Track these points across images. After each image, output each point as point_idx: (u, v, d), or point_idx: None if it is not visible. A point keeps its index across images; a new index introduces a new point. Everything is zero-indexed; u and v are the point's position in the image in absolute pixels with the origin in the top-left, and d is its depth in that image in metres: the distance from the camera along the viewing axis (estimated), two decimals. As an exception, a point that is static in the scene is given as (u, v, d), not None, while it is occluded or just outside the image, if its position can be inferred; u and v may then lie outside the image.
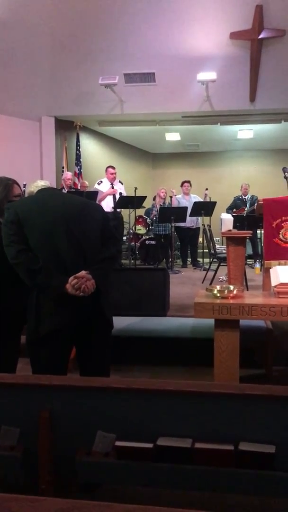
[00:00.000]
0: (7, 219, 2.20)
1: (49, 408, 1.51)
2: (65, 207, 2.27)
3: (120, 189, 7.74)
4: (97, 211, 2.44)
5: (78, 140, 9.69)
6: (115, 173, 7.77)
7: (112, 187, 7.62)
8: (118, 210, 7.59)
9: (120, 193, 7.61)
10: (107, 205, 7.37)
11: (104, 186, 7.63)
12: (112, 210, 7.35)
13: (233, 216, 7.68)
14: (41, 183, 2.45)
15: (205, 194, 8.76)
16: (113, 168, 7.86)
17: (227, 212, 8.81)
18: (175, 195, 8.49)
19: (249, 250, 8.61)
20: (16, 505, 0.84)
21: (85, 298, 2.14)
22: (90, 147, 10.49)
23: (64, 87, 8.63)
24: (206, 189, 8.84)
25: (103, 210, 2.60)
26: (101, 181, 7.78)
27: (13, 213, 2.20)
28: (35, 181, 2.48)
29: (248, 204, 8.84)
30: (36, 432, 1.52)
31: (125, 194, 7.65)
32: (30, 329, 2.22)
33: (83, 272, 2.15)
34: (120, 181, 7.88)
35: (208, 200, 8.57)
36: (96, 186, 7.73)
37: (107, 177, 7.79)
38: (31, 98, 8.61)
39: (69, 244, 2.18)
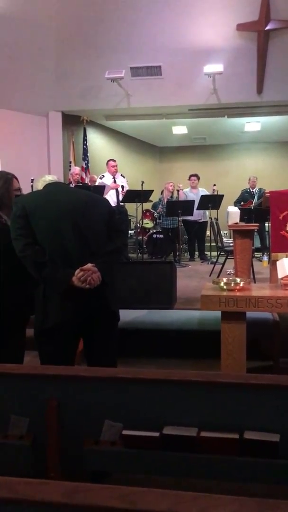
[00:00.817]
0: (15, 213, 2.25)
1: (57, 397, 1.54)
2: (72, 202, 2.29)
3: (122, 182, 7.72)
4: (103, 205, 2.46)
5: (85, 135, 9.70)
6: (116, 166, 7.77)
7: (115, 181, 7.62)
8: (122, 204, 7.59)
9: (123, 187, 7.60)
10: (111, 199, 7.37)
11: (106, 180, 7.64)
12: (116, 204, 7.35)
13: (240, 209, 7.68)
14: (48, 178, 2.48)
15: (213, 189, 8.74)
16: (114, 161, 7.87)
17: (235, 205, 8.79)
18: (182, 189, 8.49)
19: (257, 243, 8.60)
20: (23, 488, 0.86)
21: (91, 291, 2.17)
22: (97, 141, 10.49)
23: (71, 82, 8.64)
24: (214, 184, 8.82)
25: (109, 204, 2.62)
26: (103, 175, 7.80)
27: (21, 207, 2.24)
28: (43, 176, 2.52)
29: (256, 197, 8.81)
30: (45, 421, 1.55)
31: (127, 187, 7.64)
32: (37, 322, 2.26)
33: (89, 265, 2.18)
34: (121, 175, 7.88)
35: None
36: (99, 180, 7.75)
37: (108, 170, 7.80)
38: (37, 93, 8.63)
39: (75, 238, 2.22)
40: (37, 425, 1.57)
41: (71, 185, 7.36)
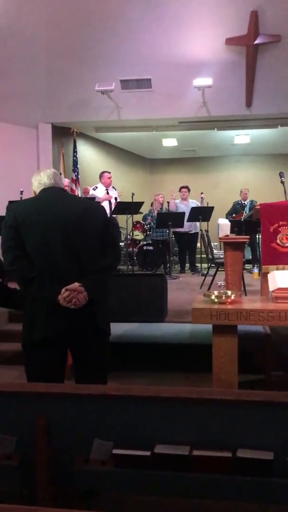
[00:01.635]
0: (6, 223, 2.21)
1: (45, 416, 1.50)
2: (65, 214, 2.22)
3: (114, 194, 7.73)
4: (99, 216, 2.36)
5: (75, 147, 9.71)
6: (111, 178, 7.77)
7: (107, 193, 7.61)
8: (114, 216, 7.57)
9: (116, 198, 7.61)
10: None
11: (99, 192, 7.62)
12: (109, 216, 7.33)
13: (231, 221, 7.71)
14: (45, 180, 2.37)
15: (201, 198, 8.75)
16: (109, 172, 7.86)
17: (227, 217, 8.82)
18: (174, 199, 8.49)
19: (248, 255, 8.62)
20: (11, 516, 0.83)
21: (78, 309, 2.14)
22: (87, 153, 10.51)
23: (61, 94, 8.65)
24: (202, 193, 8.82)
25: (106, 214, 2.48)
26: (96, 187, 7.78)
27: (12, 217, 2.19)
28: (39, 174, 2.40)
29: (247, 209, 8.85)
30: (33, 440, 1.51)
31: (119, 200, 7.65)
32: (24, 334, 2.22)
33: (75, 284, 2.13)
34: (113, 187, 7.88)
35: (204, 204, 8.57)
36: (92, 192, 7.74)
37: (103, 182, 7.78)
38: (27, 105, 8.63)
39: (65, 254, 2.17)
40: (25, 444, 1.52)
41: None
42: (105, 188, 7.66)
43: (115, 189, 7.89)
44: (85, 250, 2.22)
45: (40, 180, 2.37)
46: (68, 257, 2.18)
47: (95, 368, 2.24)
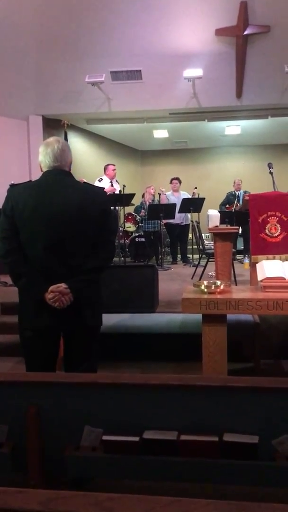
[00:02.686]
0: (4, 211, 2.20)
1: (36, 404, 1.53)
2: (63, 207, 2.15)
3: (118, 187, 7.81)
4: (98, 204, 2.24)
5: (66, 139, 9.64)
6: (115, 170, 7.91)
7: (112, 185, 7.67)
8: (112, 208, 7.61)
9: (120, 191, 7.66)
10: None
11: (104, 184, 7.68)
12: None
13: (223, 212, 7.74)
14: (49, 160, 2.24)
15: (194, 192, 8.78)
16: (114, 165, 7.98)
17: (221, 208, 8.88)
18: (164, 193, 8.52)
19: (240, 245, 8.68)
20: (3, 497, 0.86)
21: (66, 308, 2.16)
22: (78, 145, 10.47)
23: (51, 86, 8.61)
24: (195, 188, 8.85)
25: (105, 202, 2.36)
26: (101, 179, 7.83)
27: (9, 206, 2.18)
28: (47, 150, 2.25)
29: (240, 200, 8.89)
30: (25, 428, 1.54)
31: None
32: (18, 324, 2.27)
33: (61, 286, 2.13)
34: (116, 180, 7.93)
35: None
36: (97, 183, 7.76)
37: (108, 174, 7.87)
38: (18, 97, 8.58)
39: (56, 248, 2.15)
40: (16, 432, 1.55)
41: None
42: (110, 180, 7.71)
43: (118, 183, 7.94)
44: (78, 248, 2.18)
45: (44, 159, 2.26)
46: (59, 253, 2.16)
47: (84, 358, 2.27)
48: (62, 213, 2.15)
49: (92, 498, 0.82)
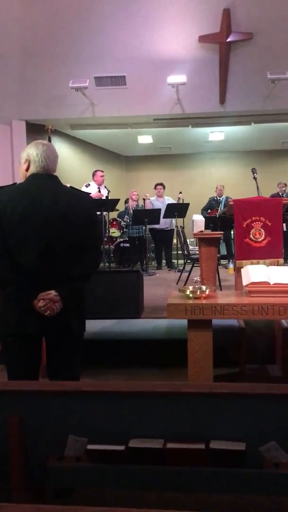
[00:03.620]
0: None
1: (19, 413, 1.49)
2: (50, 213, 2.11)
3: (105, 193, 7.77)
4: (85, 211, 2.22)
5: (50, 144, 9.63)
6: (103, 176, 7.89)
7: (99, 191, 7.65)
8: (98, 213, 7.58)
9: (106, 197, 7.62)
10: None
11: (91, 189, 7.64)
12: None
13: (206, 217, 7.77)
14: (36, 164, 2.21)
15: (179, 197, 8.81)
16: (102, 171, 7.95)
17: (202, 213, 8.91)
18: (149, 198, 8.53)
19: (223, 250, 8.71)
20: (-19, 513, 0.82)
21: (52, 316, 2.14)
22: (62, 150, 10.41)
23: (35, 91, 8.56)
24: (180, 192, 8.88)
25: (91, 209, 2.35)
26: (89, 184, 7.80)
27: None
28: (35, 152, 2.22)
29: (221, 205, 8.94)
30: (7, 439, 1.50)
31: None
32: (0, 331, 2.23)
33: (51, 294, 2.11)
34: (105, 186, 7.90)
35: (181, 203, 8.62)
36: (84, 188, 7.72)
37: (96, 180, 7.85)
38: (0, 102, 8.51)
39: (43, 254, 2.11)
40: (-2, 443, 1.51)
41: None
42: (97, 186, 7.69)
43: (107, 189, 7.92)
44: (66, 252, 2.15)
45: (35, 158, 2.22)
46: (48, 259, 2.12)
47: (68, 365, 2.23)
48: (50, 218, 2.12)
49: (75, 512, 0.79)
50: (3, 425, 1.48)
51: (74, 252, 2.17)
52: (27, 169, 2.25)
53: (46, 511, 0.80)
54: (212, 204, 9.16)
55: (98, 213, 7.69)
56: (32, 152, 2.24)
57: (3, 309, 2.20)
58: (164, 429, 1.48)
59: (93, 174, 7.97)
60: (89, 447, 1.50)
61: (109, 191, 7.53)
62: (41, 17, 8.05)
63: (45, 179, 2.21)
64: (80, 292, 2.26)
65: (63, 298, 2.13)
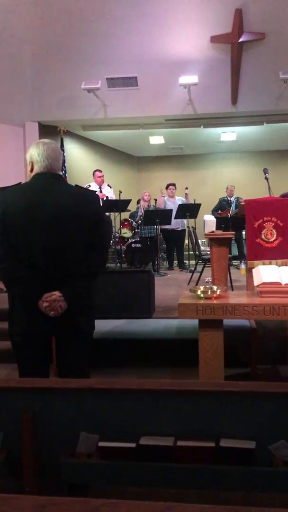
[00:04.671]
0: None
1: (32, 410, 1.52)
2: (53, 209, 2.11)
3: (108, 192, 7.81)
4: (91, 209, 2.22)
5: (62, 145, 9.69)
6: (102, 176, 7.85)
7: (101, 191, 7.67)
8: (106, 214, 7.61)
9: (107, 197, 7.65)
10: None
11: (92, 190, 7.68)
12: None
13: (218, 217, 7.76)
14: (39, 164, 2.21)
15: (185, 193, 8.76)
16: (100, 171, 7.95)
17: (213, 213, 8.89)
18: (163, 196, 8.53)
19: (235, 251, 8.69)
20: (-6, 504, 0.85)
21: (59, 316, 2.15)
22: (74, 151, 10.49)
23: (47, 92, 8.63)
24: (186, 188, 8.83)
25: (98, 208, 2.36)
26: (89, 185, 7.83)
27: (0, 211, 2.14)
28: (38, 151, 2.22)
29: (233, 206, 8.91)
30: (20, 435, 1.53)
31: (113, 198, 7.72)
32: (8, 329, 2.25)
33: (55, 295, 2.12)
34: (108, 185, 7.94)
35: (190, 200, 8.59)
36: None
37: (95, 180, 7.86)
38: (14, 104, 8.59)
39: (48, 253, 2.12)
40: (11, 439, 1.54)
41: None
42: (98, 187, 7.72)
43: (111, 187, 7.95)
44: (72, 251, 2.15)
45: (37, 157, 2.22)
46: (52, 258, 2.13)
47: (77, 364, 2.24)
48: (55, 217, 2.12)
49: (86, 504, 0.81)
50: (17, 421, 1.51)
51: (80, 251, 2.17)
52: (31, 170, 2.26)
53: (55, 503, 0.82)
54: (222, 205, 9.14)
55: (108, 213, 7.73)
56: (34, 152, 2.24)
57: (11, 309, 2.23)
58: (174, 427, 1.49)
59: (93, 175, 8.00)
60: (101, 444, 1.52)
61: (120, 192, 7.56)
62: (53, 19, 8.12)
63: (48, 178, 2.20)
64: (87, 290, 2.25)
65: (69, 297, 2.13)
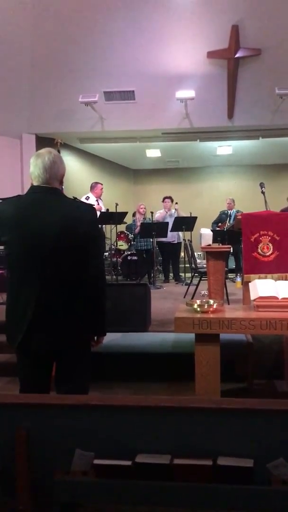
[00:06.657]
0: None
1: (26, 427, 1.49)
2: (46, 227, 2.06)
3: (102, 206, 7.83)
4: (84, 226, 2.13)
5: (59, 157, 9.73)
6: (103, 189, 7.89)
7: (98, 203, 7.69)
8: (100, 226, 7.61)
9: (108, 210, 7.68)
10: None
11: (90, 202, 7.68)
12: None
13: (215, 231, 7.78)
14: (39, 171, 2.16)
15: (176, 209, 8.72)
16: (102, 184, 7.99)
17: (213, 226, 8.92)
18: (178, 209, 8.56)
19: (232, 264, 8.70)
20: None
21: (61, 329, 2.13)
22: (71, 163, 10.51)
23: (45, 105, 8.68)
24: (176, 203, 8.82)
25: (93, 223, 2.26)
26: (88, 197, 7.84)
27: None
28: (37, 163, 2.18)
29: (231, 219, 8.95)
30: (13, 452, 1.50)
31: (103, 210, 7.73)
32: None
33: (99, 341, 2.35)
34: (100, 198, 7.95)
35: (181, 213, 8.58)
36: (83, 201, 7.79)
37: (95, 192, 7.86)
38: (11, 115, 8.63)
39: (43, 269, 2.07)
40: (5, 455, 1.51)
41: None
42: (96, 199, 7.73)
43: (102, 201, 7.97)
44: (65, 265, 2.10)
45: (34, 171, 2.18)
46: (47, 273, 2.08)
47: (75, 379, 2.22)
48: (46, 232, 2.07)
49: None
50: (11, 438, 1.48)
51: (77, 264, 2.12)
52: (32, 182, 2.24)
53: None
54: (222, 217, 9.18)
55: (103, 225, 7.73)
56: (30, 165, 2.21)
57: (8, 321, 2.19)
58: (171, 445, 1.47)
59: (93, 186, 7.94)
60: (96, 461, 1.49)
61: (116, 204, 7.57)
62: (51, 32, 8.20)
63: (41, 192, 2.15)
64: (85, 309, 2.20)
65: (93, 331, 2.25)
